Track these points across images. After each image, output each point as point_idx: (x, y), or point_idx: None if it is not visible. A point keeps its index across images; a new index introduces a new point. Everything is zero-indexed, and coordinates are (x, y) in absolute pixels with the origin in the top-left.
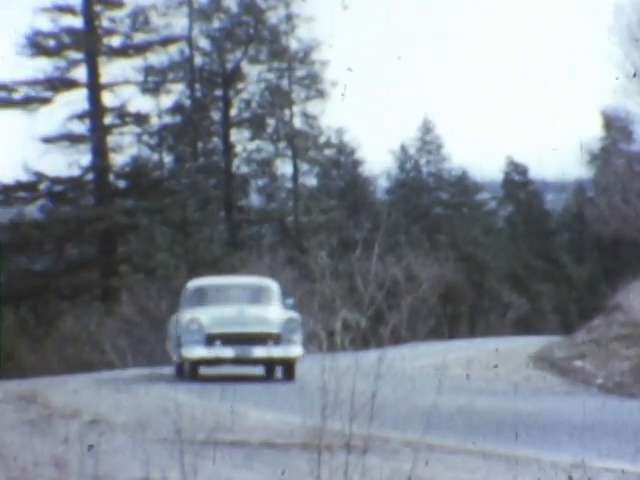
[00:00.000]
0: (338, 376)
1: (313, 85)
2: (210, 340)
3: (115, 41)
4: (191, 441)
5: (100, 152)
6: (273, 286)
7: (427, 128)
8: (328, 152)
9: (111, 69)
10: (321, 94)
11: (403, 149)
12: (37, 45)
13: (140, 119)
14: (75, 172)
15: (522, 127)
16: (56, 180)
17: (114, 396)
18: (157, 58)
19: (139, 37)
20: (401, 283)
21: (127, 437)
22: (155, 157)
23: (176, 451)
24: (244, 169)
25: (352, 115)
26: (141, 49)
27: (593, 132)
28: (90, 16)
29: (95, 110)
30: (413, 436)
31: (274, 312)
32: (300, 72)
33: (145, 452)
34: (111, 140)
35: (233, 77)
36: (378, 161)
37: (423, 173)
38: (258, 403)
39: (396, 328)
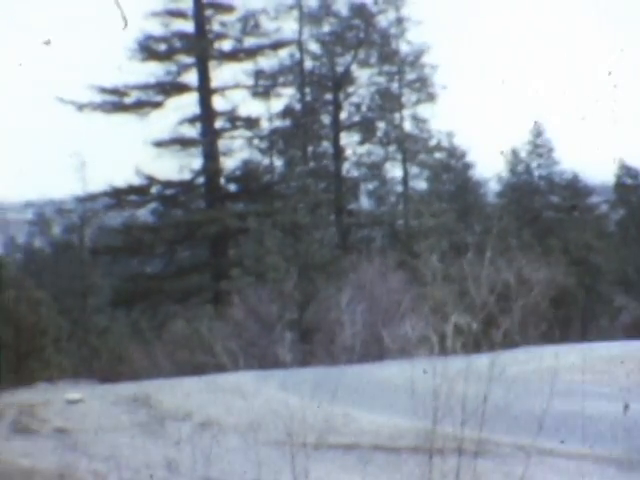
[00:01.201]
0: (450, 379)
1: (423, 88)
2: None
3: (226, 45)
4: (302, 444)
5: (211, 156)
6: None
7: (538, 131)
8: (438, 155)
9: (222, 73)
10: (431, 97)
11: (514, 152)
12: (148, 49)
13: (250, 123)
14: (186, 176)
15: (634, 130)
16: (167, 184)
17: (225, 399)
18: (267, 62)
19: (249, 41)
20: (512, 287)
21: (238, 439)
22: (265, 161)
23: (287, 454)
24: (354, 172)
25: (462, 118)
26: (251, 53)
27: None
28: (201, 20)
29: (206, 114)
30: (525, 440)
31: None
32: (410, 75)
33: (256, 454)
34: (222, 144)
35: (343, 81)
36: (489, 164)
37: (534, 176)
38: (370, 406)
39: (508, 332)
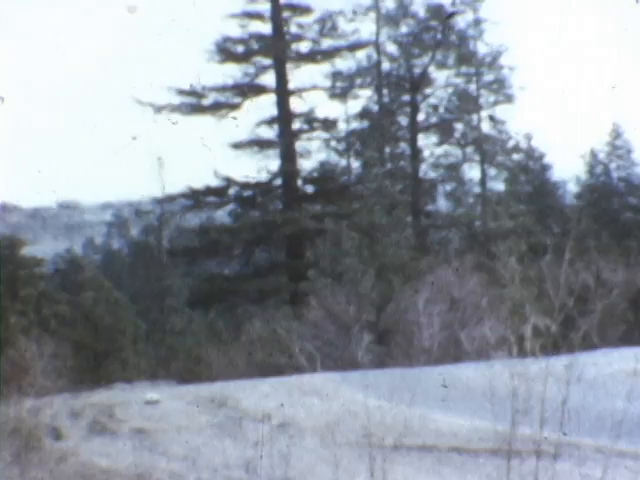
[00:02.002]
0: (528, 381)
1: (501, 90)
2: None
3: (303, 47)
4: (380, 445)
5: (288, 157)
6: None
7: (617, 132)
8: (516, 157)
9: (299, 75)
10: (509, 99)
11: (592, 153)
12: (226, 51)
13: (328, 124)
14: (263, 177)
15: None
16: (245, 185)
17: (303, 400)
18: (345, 63)
19: (327, 42)
20: (591, 289)
21: (316, 441)
22: (342, 162)
23: (365, 455)
24: (431, 174)
25: (540, 119)
26: (329, 54)
27: None
28: (278, 22)
29: (283, 115)
30: (604, 442)
31: None
32: (488, 76)
33: (334, 456)
34: (299, 145)
35: (420, 82)
36: (567, 166)
37: (612, 178)
38: (447, 408)
39: (587, 334)
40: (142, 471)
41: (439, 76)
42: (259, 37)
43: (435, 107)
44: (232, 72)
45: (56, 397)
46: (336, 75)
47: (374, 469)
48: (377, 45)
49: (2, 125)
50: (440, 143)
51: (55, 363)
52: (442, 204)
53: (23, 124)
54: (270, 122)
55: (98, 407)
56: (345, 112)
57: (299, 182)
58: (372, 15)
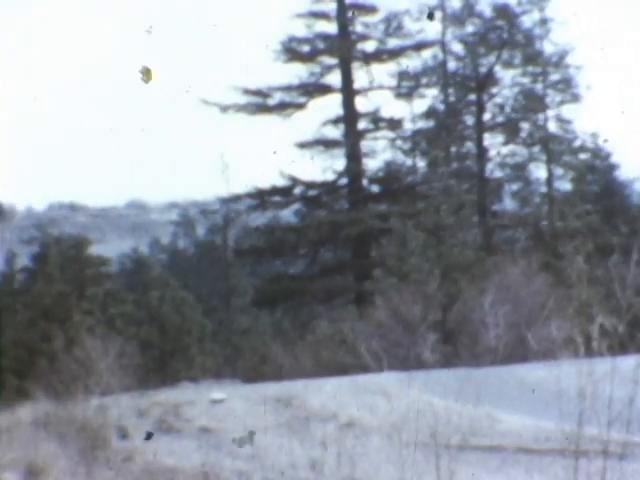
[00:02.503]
0: (595, 381)
1: (567, 89)
2: None
3: (369, 46)
4: (446, 445)
5: (354, 157)
6: None
7: None
8: (583, 156)
9: (364, 74)
10: (575, 98)
11: None
12: (292, 51)
13: (393, 124)
14: (329, 177)
15: None
16: (310, 185)
17: (369, 399)
18: (410, 63)
19: (392, 42)
20: None
21: (382, 440)
22: (408, 162)
23: (431, 455)
24: (497, 173)
25: (607, 119)
26: (394, 54)
27: None
28: (344, 22)
29: (349, 115)
30: None
31: None
32: (554, 76)
33: (400, 455)
34: (365, 145)
35: (486, 81)
36: (634, 165)
37: None
38: (514, 408)
39: None
40: (208, 470)
41: (505, 75)
42: (325, 37)
43: (501, 106)
44: (298, 72)
45: (122, 396)
46: (402, 74)
47: (440, 469)
48: (443, 44)
49: (70, 127)
50: (506, 142)
51: (121, 362)
52: (508, 204)
53: (90, 125)
54: (335, 122)
55: (164, 406)
56: (411, 111)
57: (364, 182)
58: (438, 14)
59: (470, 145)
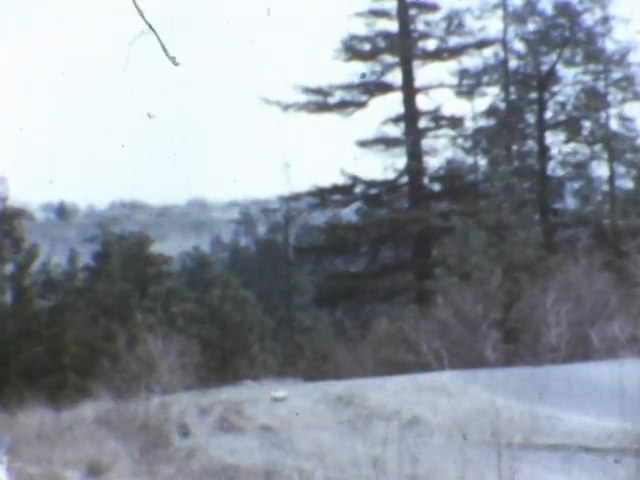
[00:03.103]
0: None
1: (629, 87)
2: None
3: (430, 44)
4: (508, 444)
5: (414, 155)
6: None
7: None
8: None
9: (425, 72)
10: (638, 96)
11: None
12: (352, 49)
13: (454, 122)
14: (390, 175)
15: None
16: (371, 183)
17: (431, 398)
18: (472, 61)
19: (453, 40)
20: None
21: (444, 438)
22: (469, 160)
23: (493, 453)
24: (559, 172)
25: None
26: (455, 52)
27: None
28: (405, 20)
29: (410, 113)
30: None
31: None
32: (616, 74)
33: (462, 454)
34: (425, 143)
35: (548, 79)
36: None
37: None
38: (576, 406)
39: None
40: (270, 468)
41: (567, 73)
42: (385, 35)
43: (562, 105)
44: (358, 70)
45: (183, 394)
46: (463, 73)
47: (502, 467)
48: (504, 43)
49: (130, 126)
50: (568, 141)
51: (182, 360)
52: (570, 202)
53: (151, 124)
54: (396, 120)
55: (225, 404)
56: (472, 110)
57: (425, 180)
58: (499, 12)
59: (531, 143)
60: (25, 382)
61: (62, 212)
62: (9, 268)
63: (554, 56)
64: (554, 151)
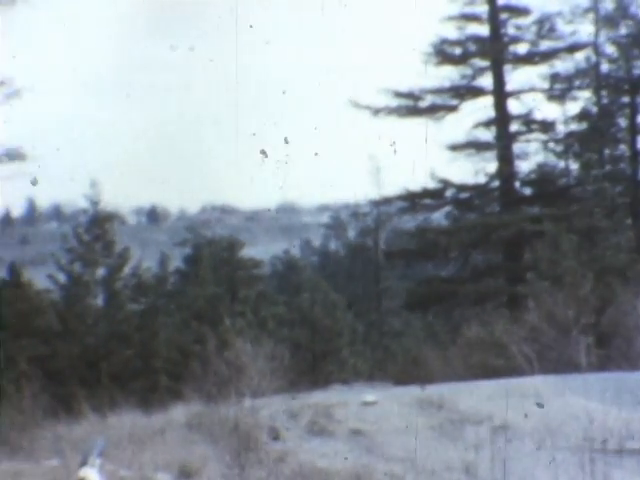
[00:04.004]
0: None
1: None
2: None
3: (521, 48)
4: (601, 449)
5: (505, 159)
6: None
7: None
8: None
9: (516, 76)
10: None
11: None
12: (443, 53)
13: (546, 126)
14: (481, 179)
15: None
16: (462, 187)
17: (522, 402)
18: (563, 65)
19: (545, 44)
20: None
21: (535, 444)
22: (561, 164)
23: (585, 459)
24: None
25: None
26: (547, 56)
27: None
28: (496, 24)
29: (501, 117)
30: None
31: None
32: None
33: (553, 459)
34: (517, 147)
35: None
36: None
37: None
38: None
39: None
40: (360, 472)
41: None
42: (476, 39)
43: None
44: (449, 74)
45: (273, 398)
46: (554, 77)
47: (595, 473)
48: (596, 46)
49: (220, 131)
50: None
51: (272, 364)
52: None
53: (239, 128)
54: (487, 124)
55: (315, 408)
56: (563, 114)
57: (516, 184)
58: (591, 16)
59: (623, 147)
60: (116, 385)
61: (153, 216)
62: (101, 272)
63: None
64: None
